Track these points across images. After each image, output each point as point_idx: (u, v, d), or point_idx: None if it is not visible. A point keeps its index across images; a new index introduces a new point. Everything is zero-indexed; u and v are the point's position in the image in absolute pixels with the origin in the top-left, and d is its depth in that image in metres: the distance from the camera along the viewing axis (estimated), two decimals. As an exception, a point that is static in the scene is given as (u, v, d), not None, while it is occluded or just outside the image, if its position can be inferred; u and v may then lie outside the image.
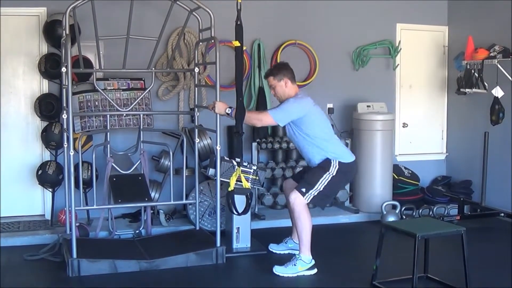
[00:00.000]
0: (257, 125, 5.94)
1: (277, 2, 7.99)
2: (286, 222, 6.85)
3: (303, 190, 5.66)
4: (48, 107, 6.91)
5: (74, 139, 5.89)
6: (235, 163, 5.85)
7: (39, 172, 6.87)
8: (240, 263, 6.16)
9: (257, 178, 6.15)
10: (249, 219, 6.43)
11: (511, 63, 7.47)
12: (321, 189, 5.67)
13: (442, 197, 8.28)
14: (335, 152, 5.76)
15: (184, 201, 6.70)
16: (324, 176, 5.69)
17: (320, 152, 5.75)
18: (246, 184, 5.73)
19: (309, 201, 5.67)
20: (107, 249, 6.13)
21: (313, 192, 5.65)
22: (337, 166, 5.71)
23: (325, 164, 5.73)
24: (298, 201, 5.65)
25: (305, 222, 5.67)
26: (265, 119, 5.76)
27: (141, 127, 6.75)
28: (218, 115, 5.94)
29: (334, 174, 5.71)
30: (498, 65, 7.47)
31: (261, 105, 7.67)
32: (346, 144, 7.93)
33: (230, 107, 5.75)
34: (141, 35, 6.55)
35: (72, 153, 5.63)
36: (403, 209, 7.67)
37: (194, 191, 6.76)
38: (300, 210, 5.66)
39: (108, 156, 6.53)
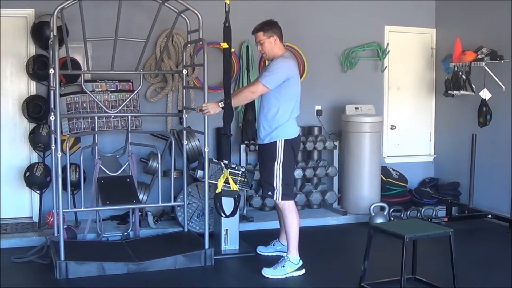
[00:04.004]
0: (252, 98, 5.95)
1: (266, 4, 7.98)
2: (274, 224, 6.85)
3: (270, 193, 5.75)
4: (36, 109, 6.88)
5: (62, 141, 5.87)
6: (223, 165, 5.85)
7: (27, 174, 6.84)
8: (228, 265, 6.16)
9: (246, 180, 6.15)
10: (237, 221, 6.43)
11: (498, 65, 7.51)
12: (281, 179, 5.70)
13: (430, 198, 8.32)
14: (285, 131, 5.72)
15: (172, 203, 6.69)
16: (275, 167, 5.71)
17: (272, 126, 5.72)
18: (234, 186, 5.73)
19: (281, 197, 5.70)
20: (95, 251, 6.11)
21: (278, 187, 5.71)
22: (283, 146, 5.72)
23: (271, 150, 5.73)
24: (279, 203, 5.76)
25: (292, 221, 5.72)
26: (258, 89, 5.70)
27: (129, 129, 6.74)
28: (206, 117, 5.94)
29: (282, 159, 5.71)
30: (486, 67, 7.52)
31: (249, 107, 7.66)
32: (334, 146, 7.96)
33: (221, 101, 5.75)
34: (129, 36, 6.54)
35: (60, 155, 5.61)
36: (391, 210, 7.69)
37: (183, 193, 6.75)
38: (288, 210, 5.72)
39: (96, 158, 6.51)
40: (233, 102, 5.72)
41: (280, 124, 5.70)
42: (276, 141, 5.72)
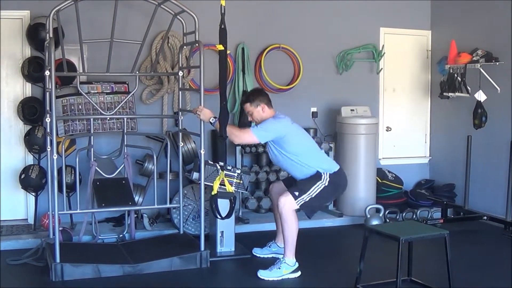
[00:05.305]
0: (235, 141, 5.97)
1: (262, 6, 8.00)
2: (270, 226, 6.85)
3: (296, 193, 5.67)
4: (31, 111, 6.87)
5: (58, 143, 5.86)
6: (219, 167, 5.85)
7: (22, 176, 6.83)
8: (224, 267, 6.15)
9: (241, 182, 6.14)
10: (233, 223, 6.43)
11: (494, 67, 7.52)
12: (313, 195, 5.69)
13: (425, 200, 8.31)
14: (322, 166, 5.80)
15: (168, 205, 6.69)
16: (317, 184, 5.72)
17: (308, 169, 5.78)
18: (230, 188, 5.73)
19: (299, 205, 5.67)
20: (91, 254, 6.10)
21: (305, 198, 5.66)
22: (328, 178, 5.76)
23: (317, 175, 5.76)
24: (288, 205, 5.65)
25: (292, 226, 5.67)
26: (244, 136, 5.80)
27: (125, 131, 6.73)
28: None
29: (326, 184, 5.74)
30: (481, 69, 7.53)
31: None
32: (330, 148, 7.95)
33: (214, 117, 5.77)
34: (125, 38, 6.53)
35: (55, 157, 5.59)
36: (386, 212, 7.70)
37: (178, 195, 6.75)
38: (288, 214, 5.65)
39: (92, 160, 6.50)
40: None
41: (316, 167, 5.78)
42: (322, 173, 5.77)
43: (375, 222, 7.37)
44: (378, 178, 8.26)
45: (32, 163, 7.01)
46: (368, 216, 7.56)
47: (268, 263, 5.89)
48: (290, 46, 8.12)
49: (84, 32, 6.15)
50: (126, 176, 6.58)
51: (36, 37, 6.79)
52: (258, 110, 5.91)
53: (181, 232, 6.76)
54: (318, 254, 6.54)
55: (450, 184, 8.56)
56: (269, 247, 6.40)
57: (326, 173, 5.77)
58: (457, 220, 7.85)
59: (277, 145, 5.81)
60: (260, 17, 8.07)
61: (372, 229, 5.41)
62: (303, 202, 5.67)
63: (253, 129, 5.80)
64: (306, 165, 5.78)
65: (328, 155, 7.98)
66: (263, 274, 5.68)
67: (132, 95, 6.89)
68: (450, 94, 8.02)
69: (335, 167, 5.90)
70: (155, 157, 6.47)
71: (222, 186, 5.72)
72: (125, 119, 6.76)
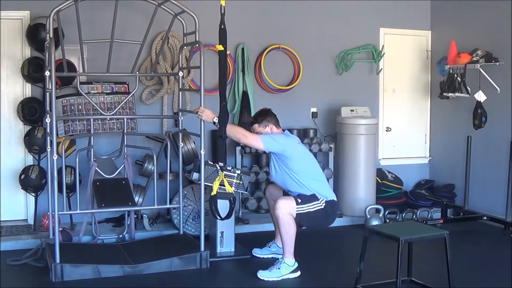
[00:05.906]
0: (240, 141, 5.94)
1: (262, 6, 8.00)
2: (269, 226, 6.84)
3: (299, 201, 5.69)
4: (31, 111, 6.86)
5: (58, 143, 5.85)
6: (218, 168, 5.85)
7: (22, 177, 6.82)
8: (224, 267, 6.15)
9: (241, 182, 6.14)
10: (233, 224, 6.43)
11: (493, 67, 7.52)
12: (311, 210, 5.70)
13: (425, 200, 8.31)
14: (319, 191, 5.80)
15: (168, 206, 6.69)
16: (315, 203, 5.73)
17: (305, 190, 5.78)
18: (229, 189, 5.73)
19: (296, 213, 5.66)
20: (91, 254, 6.10)
21: (305, 209, 5.67)
22: (324, 204, 5.77)
23: (313, 196, 5.77)
24: (288, 208, 5.63)
25: (290, 229, 5.66)
26: (251, 138, 5.78)
27: (125, 131, 6.73)
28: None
29: (322, 207, 5.76)
30: (481, 70, 7.53)
31: (245, 109, 7.66)
32: (330, 148, 7.95)
33: (217, 117, 5.76)
34: (125, 38, 6.53)
35: (55, 157, 5.58)
36: (386, 212, 7.70)
37: (178, 196, 6.75)
38: (285, 216, 5.62)
39: (92, 160, 6.50)
40: (227, 128, 5.76)
41: (313, 190, 5.78)
42: (318, 197, 5.78)
43: (375, 222, 7.37)
44: (378, 179, 8.26)
45: (32, 164, 7.01)
46: (368, 216, 7.56)
47: (268, 263, 5.88)
48: (290, 46, 8.12)
49: (84, 32, 6.15)
50: (126, 177, 6.59)
51: (36, 37, 6.79)
52: (267, 131, 5.93)
53: (181, 232, 6.76)
54: (318, 255, 6.54)
55: (450, 185, 8.56)
56: (269, 247, 6.40)
57: (323, 199, 5.78)
58: (457, 220, 7.85)
59: (280, 161, 5.83)
60: (260, 17, 8.07)
61: (372, 230, 5.41)
62: (301, 211, 5.67)
63: (261, 135, 5.82)
64: (304, 186, 5.78)
65: (328, 156, 8.03)
66: (262, 275, 5.68)
67: (132, 96, 6.89)
68: (450, 94, 8.01)
69: (332, 196, 5.92)
70: (155, 157, 6.47)
71: (221, 187, 5.72)
72: (125, 119, 6.76)
